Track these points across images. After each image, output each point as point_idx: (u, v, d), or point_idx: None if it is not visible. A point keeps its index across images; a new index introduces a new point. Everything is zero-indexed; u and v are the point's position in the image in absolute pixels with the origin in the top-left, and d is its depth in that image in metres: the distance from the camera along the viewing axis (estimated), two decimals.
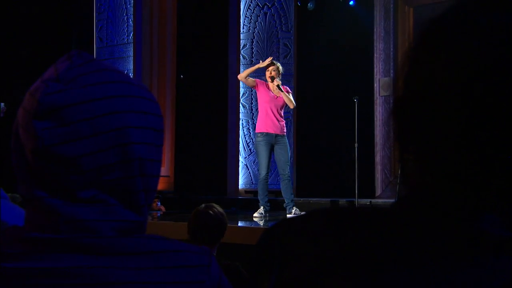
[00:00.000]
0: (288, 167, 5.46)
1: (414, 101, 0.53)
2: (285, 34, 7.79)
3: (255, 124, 7.87)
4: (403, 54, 0.57)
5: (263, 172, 5.43)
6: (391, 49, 7.28)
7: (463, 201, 0.49)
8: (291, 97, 5.44)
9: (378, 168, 7.21)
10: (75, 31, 8.52)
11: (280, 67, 5.52)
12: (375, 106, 7.26)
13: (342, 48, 7.44)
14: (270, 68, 5.44)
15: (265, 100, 5.43)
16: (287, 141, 5.51)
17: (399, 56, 7.06)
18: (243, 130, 7.89)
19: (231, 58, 7.93)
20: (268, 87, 5.47)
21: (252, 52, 7.91)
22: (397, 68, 0.60)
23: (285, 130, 5.48)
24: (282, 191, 5.51)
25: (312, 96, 7.59)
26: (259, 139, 5.41)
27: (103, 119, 0.69)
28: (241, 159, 7.86)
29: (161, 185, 7.85)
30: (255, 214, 5.49)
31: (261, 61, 5.62)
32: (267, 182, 5.49)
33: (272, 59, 5.52)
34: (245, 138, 7.87)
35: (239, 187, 7.81)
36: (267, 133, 5.39)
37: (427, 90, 0.52)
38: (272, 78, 5.46)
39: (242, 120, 7.89)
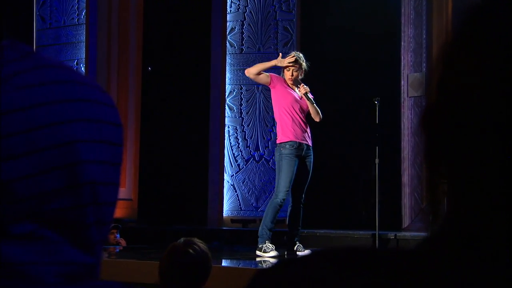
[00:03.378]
0: None
1: (450, 110, 0.54)
2: (286, 15, 7.84)
3: (245, 132, 7.92)
4: (439, 47, 0.58)
5: (282, 194, 5.39)
6: (424, 36, 7.33)
7: None
8: (318, 108, 5.50)
9: (406, 191, 7.23)
10: (8, 7, 8.51)
11: (305, 65, 5.50)
12: (402, 110, 7.30)
13: (358, 33, 7.49)
14: (292, 68, 5.45)
15: (288, 101, 5.45)
16: None
17: (434, 46, 7.11)
18: (230, 140, 7.89)
19: (215, 45, 7.96)
20: (288, 84, 5.51)
21: (242, 38, 7.94)
22: (431, 64, 0.61)
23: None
24: (290, 220, 5.52)
25: (319, 97, 7.60)
26: (287, 151, 5.39)
27: (44, 132, 0.69)
28: (226, 177, 7.85)
29: (120, 212, 7.81)
30: (271, 254, 5.33)
31: (280, 56, 5.56)
32: (280, 208, 5.47)
33: (295, 57, 5.46)
34: (232, 150, 7.87)
35: (224, 215, 7.80)
36: (299, 143, 5.41)
37: (467, 97, 0.52)
38: (296, 83, 5.47)
39: (229, 127, 7.89)
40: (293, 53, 5.53)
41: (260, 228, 5.47)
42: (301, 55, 5.53)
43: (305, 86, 5.44)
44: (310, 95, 5.44)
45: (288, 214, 5.56)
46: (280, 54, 5.59)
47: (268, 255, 5.33)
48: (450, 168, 0.53)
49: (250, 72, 5.52)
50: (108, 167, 0.74)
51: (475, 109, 0.51)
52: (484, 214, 0.51)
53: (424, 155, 0.55)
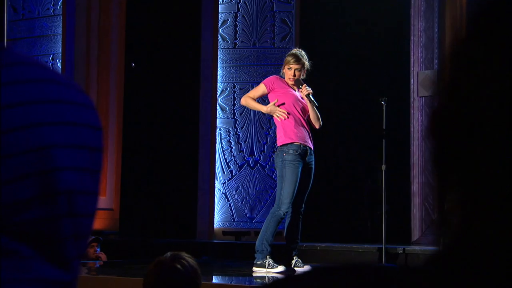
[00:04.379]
0: None
1: (462, 113, 0.54)
2: (284, 5, 7.86)
3: (238, 135, 7.92)
4: (451, 43, 0.57)
5: (286, 206, 5.37)
6: (435, 30, 7.35)
7: None
8: (319, 114, 5.53)
9: (416, 200, 7.24)
10: None
11: (308, 64, 5.51)
12: (412, 112, 7.31)
13: (363, 27, 7.51)
14: (294, 67, 5.45)
15: (289, 101, 5.47)
16: None
17: (447, 41, 7.11)
18: (221, 143, 7.89)
19: (205, 39, 7.97)
20: (287, 84, 5.54)
21: (236, 32, 7.95)
22: (442, 62, 0.61)
23: None
24: (288, 232, 5.52)
25: (320, 96, 7.61)
26: (290, 157, 5.38)
27: (15, 135, 0.69)
28: (218, 185, 7.85)
29: (100, 223, 7.80)
30: (279, 269, 5.31)
31: (273, 104, 5.42)
32: (281, 221, 5.48)
33: (285, 115, 5.39)
34: (224, 155, 7.87)
35: (215, 226, 7.79)
36: (303, 146, 5.42)
37: (482, 99, 0.52)
38: (298, 83, 5.49)
39: (221, 130, 7.90)
40: (305, 87, 5.46)
41: (258, 242, 5.44)
42: (303, 53, 5.54)
43: (308, 87, 5.44)
44: (312, 97, 5.44)
45: (286, 225, 5.55)
46: (274, 102, 5.47)
47: (275, 270, 5.32)
48: (462, 177, 0.53)
49: (242, 103, 5.73)
50: (87, 174, 0.74)
51: (490, 113, 0.51)
52: (499, 227, 0.51)
53: (433, 162, 0.55)
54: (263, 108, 5.53)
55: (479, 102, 0.52)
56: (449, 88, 0.54)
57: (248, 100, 5.63)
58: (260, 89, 5.59)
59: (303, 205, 5.51)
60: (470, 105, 0.52)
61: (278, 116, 5.42)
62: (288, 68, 5.47)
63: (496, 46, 0.52)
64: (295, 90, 5.52)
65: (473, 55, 0.53)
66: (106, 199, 8.01)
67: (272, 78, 5.60)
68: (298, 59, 5.45)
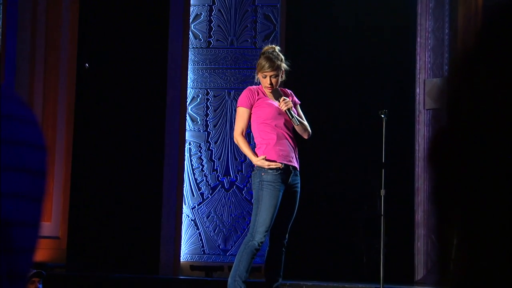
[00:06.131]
0: None
1: (466, 137, 0.54)
2: None
3: (211, 151, 7.91)
4: (459, 52, 0.57)
5: (261, 235, 5.39)
6: (446, 31, 7.42)
7: None
8: (306, 123, 5.55)
9: (420, 232, 7.27)
10: None
11: (284, 65, 5.53)
12: (417, 126, 7.36)
13: (362, 26, 7.56)
14: (269, 74, 5.46)
15: (269, 113, 5.51)
16: None
17: (458, 44, 7.15)
18: (191, 160, 7.88)
19: (173, 36, 7.96)
20: (264, 93, 5.56)
21: (210, 28, 7.96)
22: (448, 74, 0.61)
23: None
24: (268, 268, 5.53)
25: (309, 108, 7.64)
26: (269, 176, 5.42)
27: None
28: (186, 210, 7.83)
29: (44, 254, 7.74)
30: None
31: (262, 158, 5.41)
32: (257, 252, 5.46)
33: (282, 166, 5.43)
34: (194, 174, 7.86)
35: (181, 260, 7.76)
36: (286, 165, 5.44)
37: (492, 122, 0.53)
38: (276, 95, 5.48)
39: (190, 144, 7.89)
40: (283, 101, 5.45)
41: (230, 279, 5.42)
42: (277, 51, 5.54)
43: (287, 100, 5.44)
44: (293, 112, 5.43)
45: (265, 259, 5.55)
46: (263, 157, 5.44)
47: None
48: (464, 215, 0.54)
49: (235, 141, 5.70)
50: (26, 202, 0.73)
51: (500, 139, 0.52)
52: (505, 268, 0.52)
53: (433, 196, 0.56)
54: (253, 159, 5.50)
55: (487, 125, 0.52)
56: (453, 106, 0.55)
57: (239, 142, 5.58)
58: (244, 116, 5.55)
59: (286, 236, 5.51)
60: (476, 128, 0.52)
61: (267, 168, 5.42)
62: (263, 77, 5.49)
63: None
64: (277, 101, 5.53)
65: (484, 69, 0.53)
66: (51, 225, 7.96)
67: (245, 95, 5.58)
68: (272, 64, 5.44)
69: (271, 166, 5.36)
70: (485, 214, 0.55)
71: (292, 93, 5.68)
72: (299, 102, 5.67)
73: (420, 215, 7.27)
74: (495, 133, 0.55)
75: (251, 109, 5.52)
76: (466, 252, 0.58)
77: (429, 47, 7.41)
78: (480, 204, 0.55)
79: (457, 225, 0.58)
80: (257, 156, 5.43)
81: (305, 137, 5.59)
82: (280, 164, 5.37)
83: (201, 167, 7.87)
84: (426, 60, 7.41)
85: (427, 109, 7.32)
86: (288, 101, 5.41)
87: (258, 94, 5.52)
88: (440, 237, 0.59)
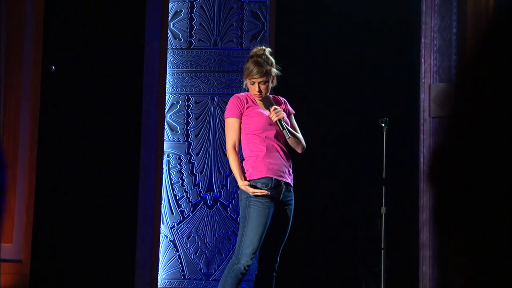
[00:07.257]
0: None
1: (475, 152, 0.56)
2: None
3: (192, 164, 7.91)
4: (465, 55, 0.59)
5: (247, 258, 5.41)
6: (453, 31, 7.44)
7: None
8: (299, 135, 5.56)
9: (425, 253, 7.28)
10: None
11: (275, 70, 5.53)
12: (421, 136, 7.38)
13: (359, 25, 7.58)
14: (257, 81, 5.47)
15: (259, 124, 5.53)
16: None
17: (468, 45, 7.18)
18: (170, 174, 7.88)
19: (150, 36, 7.96)
20: (253, 100, 5.59)
21: (192, 27, 7.98)
22: (455, 79, 0.63)
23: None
24: None
25: (301, 117, 7.66)
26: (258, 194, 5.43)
27: None
28: (164, 230, 7.83)
29: (4, 279, 7.71)
30: None
31: (247, 185, 5.47)
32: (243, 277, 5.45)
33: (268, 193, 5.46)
34: (173, 190, 7.85)
35: (159, 285, 7.76)
36: (277, 180, 5.45)
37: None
38: (266, 104, 5.49)
39: (169, 156, 7.90)
40: (273, 112, 5.49)
41: None
42: (267, 53, 5.55)
43: (278, 109, 5.44)
44: (284, 123, 5.44)
45: (253, 285, 5.57)
46: (247, 183, 5.48)
47: None
48: (469, 238, 0.55)
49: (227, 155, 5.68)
50: None
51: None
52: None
53: (434, 218, 0.58)
54: (238, 182, 5.49)
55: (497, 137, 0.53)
56: (458, 115, 0.56)
57: (230, 158, 5.59)
58: (234, 126, 5.55)
59: (277, 259, 5.52)
60: (487, 142, 0.54)
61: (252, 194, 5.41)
62: (251, 83, 5.49)
63: None
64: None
65: (497, 75, 0.54)
66: (12, 247, 7.93)
67: (233, 103, 5.56)
68: (260, 70, 5.45)
69: (256, 193, 5.35)
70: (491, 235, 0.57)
71: (285, 101, 5.68)
72: (293, 112, 5.66)
73: (425, 235, 7.29)
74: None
75: (241, 119, 5.51)
76: (471, 272, 0.59)
77: (435, 48, 7.45)
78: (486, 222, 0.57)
79: (461, 245, 0.60)
80: (245, 177, 5.42)
81: (299, 151, 5.59)
82: (267, 192, 5.35)
83: (181, 181, 7.87)
84: (432, 62, 7.44)
85: (432, 117, 7.35)
86: (279, 111, 5.40)
87: (247, 102, 5.53)
88: (440, 262, 0.61)
